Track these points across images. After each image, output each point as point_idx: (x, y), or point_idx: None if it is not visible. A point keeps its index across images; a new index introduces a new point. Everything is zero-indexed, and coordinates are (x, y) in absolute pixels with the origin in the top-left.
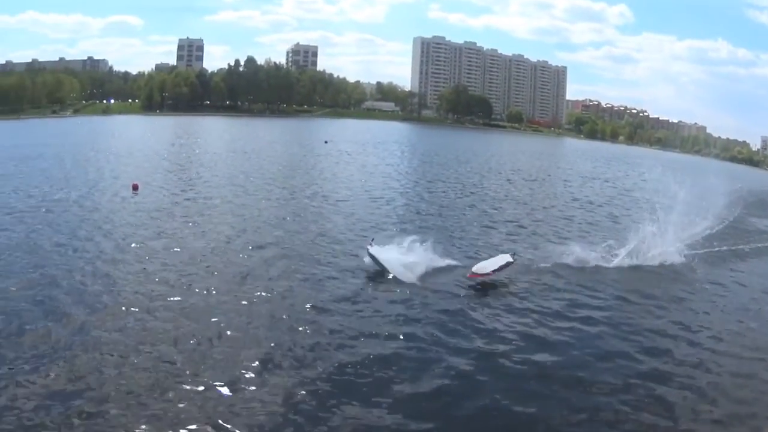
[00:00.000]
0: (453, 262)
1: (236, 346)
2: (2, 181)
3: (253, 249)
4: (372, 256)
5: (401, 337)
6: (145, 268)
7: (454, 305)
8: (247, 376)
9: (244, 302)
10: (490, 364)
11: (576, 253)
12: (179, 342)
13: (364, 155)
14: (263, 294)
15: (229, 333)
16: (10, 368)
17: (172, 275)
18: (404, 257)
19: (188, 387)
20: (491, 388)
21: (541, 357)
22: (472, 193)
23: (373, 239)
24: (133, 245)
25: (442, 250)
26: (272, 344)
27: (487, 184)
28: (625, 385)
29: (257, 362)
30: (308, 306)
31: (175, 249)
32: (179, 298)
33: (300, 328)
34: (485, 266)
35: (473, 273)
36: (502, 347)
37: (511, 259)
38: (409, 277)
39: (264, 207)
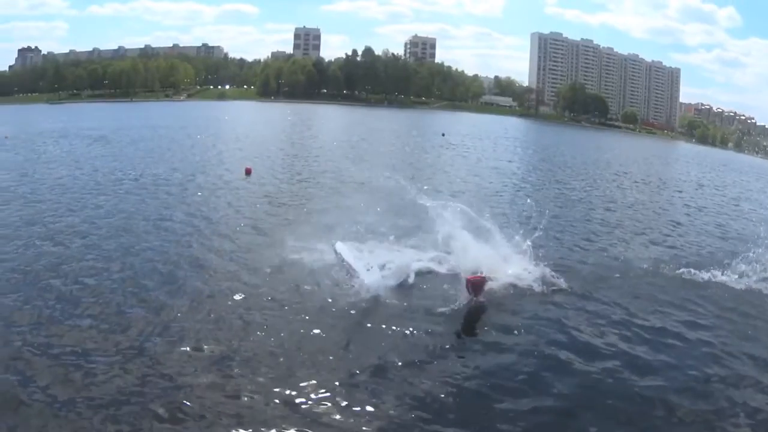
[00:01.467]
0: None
1: (356, 344)
2: (118, 161)
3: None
4: (337, 253)
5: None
6: (252, 252)
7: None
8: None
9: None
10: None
11: (682, 263)
12: (283, 336)
13: (480, 149)
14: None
15: (341, 329)
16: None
17: (278, 260)
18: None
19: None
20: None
21: (630, 376)
22: (584, 192)
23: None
24: (243, 227)
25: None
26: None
27: (601, 184)
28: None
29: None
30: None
31: (284, 233)
32: (285, 286)
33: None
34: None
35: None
36: (600, 366)
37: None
38: (377, 279)
39: (373, 196)
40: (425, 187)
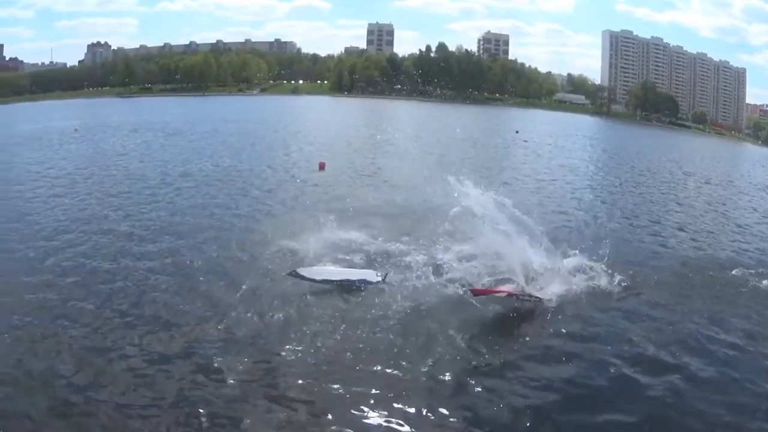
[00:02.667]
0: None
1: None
2: (190, 154)
3: (427, 233)
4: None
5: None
6: (324, 245)
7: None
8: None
9: (431, 288)
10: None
11: (749, 269)
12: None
13: (553, 148)
14: (450, 281)
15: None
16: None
17: (349, 254)
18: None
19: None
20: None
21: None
22: (654, 193)
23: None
24: (314, 222)
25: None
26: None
27: (671, 185)
28: None
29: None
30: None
31: (358, 228)
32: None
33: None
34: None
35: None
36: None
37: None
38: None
39: (439, 192)
40: (500, 187)
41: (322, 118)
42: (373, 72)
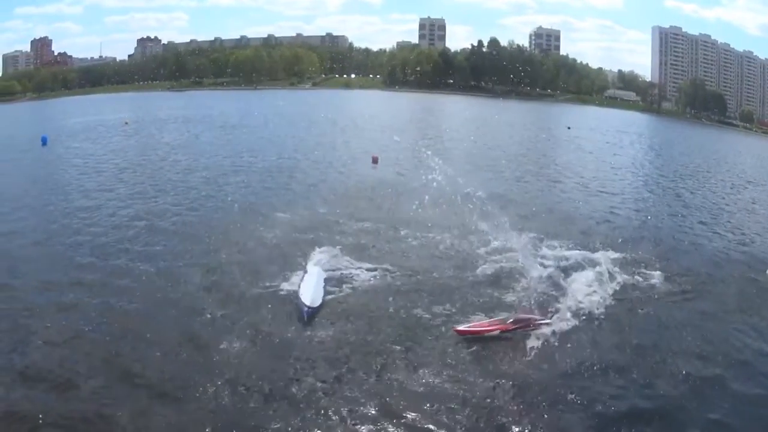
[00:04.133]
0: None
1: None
2: (241, 146)
3: (486, 227)
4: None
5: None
6: (378, 239)
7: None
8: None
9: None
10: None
11: None
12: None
13: (604, 145)
14: (498, 271)
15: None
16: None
17: (405, 252)
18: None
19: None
20: None
21: None
22: (704, 193)
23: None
24: (367, 215)
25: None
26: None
27: (720, 186)
28: None
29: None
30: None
31: (409, 224)
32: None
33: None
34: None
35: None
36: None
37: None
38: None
39: (494, 187)
40: (548, 183)
41: (374, 112)
42: (425, 67)
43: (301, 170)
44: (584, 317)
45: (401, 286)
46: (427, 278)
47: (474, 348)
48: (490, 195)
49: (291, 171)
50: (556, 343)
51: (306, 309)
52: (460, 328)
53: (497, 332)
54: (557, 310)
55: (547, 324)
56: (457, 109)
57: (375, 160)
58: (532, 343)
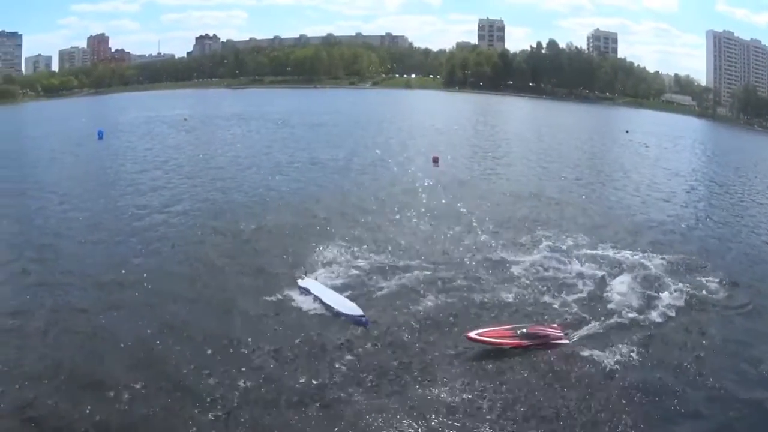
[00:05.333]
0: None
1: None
2: (299, 144)
3: (540, 228)
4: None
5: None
6: (435, 238)
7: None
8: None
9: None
10: None
11: None
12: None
13: (660, 149)
14: (533, 275)
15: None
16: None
17: (462, 251)
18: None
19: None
20: None
21: None
22: (756, 202)
23: (305, 272)
24: (429, 216)
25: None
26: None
27: None
28: None
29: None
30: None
31: (470, 223)
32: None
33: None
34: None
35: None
36: None
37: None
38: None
39: (551, 190)
40: (604, 187)
41: (434, 112)
42: (484, 67)
43: (362, 170)
44: (619, 332)
45: (430, 286)
46: (456, 277)
47: (485, 359)
48: (545, 197)
49: (342, 168)
50: (578, 363)
51: (362, 317)
52: (472, 334)
53: (509, 347)
54: (584, 322)
55: (565, 342)
56: (517, 111)
57: (436, 161)
58: (549, 359)
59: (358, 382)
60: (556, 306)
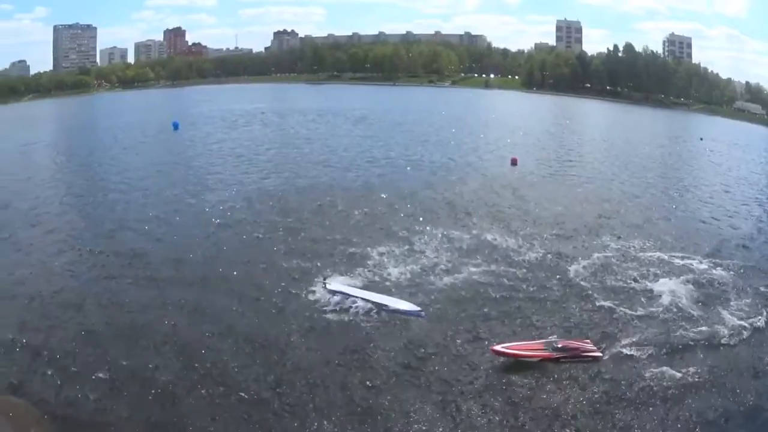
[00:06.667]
0: None
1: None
2: (377, 141)
3: (605, 234)
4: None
5: None
6: (510, 238)
7: None
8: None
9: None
10: None
11: None
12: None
13: (733, 158)
14: (599, 279)
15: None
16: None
17: (539, 251)
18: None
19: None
20: None
21: None
22: None
23: (326, 279)
24: (495, 218)
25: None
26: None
27: None
28: None
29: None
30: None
31: (536, 226)
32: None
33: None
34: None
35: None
36: None
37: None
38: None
39: (623, 195)
40: (673, 194)
41: (514, 113)
42: (563, 69)
43: (438, 169)
44: (670, 349)
45: (479, 289)
46: (508, 282)
47: (512, 372)
48: (615, 202)
49: (420, 166)
50: (609, 381)
51: (420, 312)
52: (498, 348)
53: (537, 360)
54: (627, 336)
55: (598, 355)
56: (595, 115)
57: (514, 162)
58: (579, 375)
59: (395, 378)
60: (600, 317)
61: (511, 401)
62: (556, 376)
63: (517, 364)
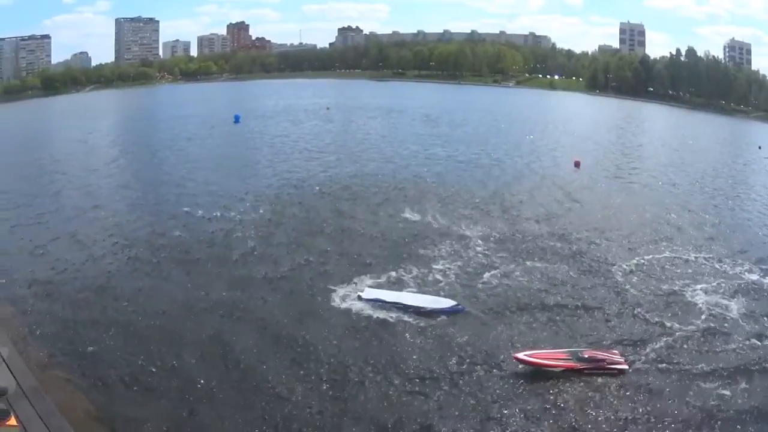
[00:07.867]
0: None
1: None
2: (440, 139)
3: (657, 241)
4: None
5: None
6: (575, 240)
7: None
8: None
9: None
10: None
11: None
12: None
13: None
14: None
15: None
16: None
17: (605, 257)
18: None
19: None
20: None
21: None
22: None
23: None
24: (560, 218)
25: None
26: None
27: None
28: None
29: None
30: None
31: (601, 228)
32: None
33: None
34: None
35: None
36: None
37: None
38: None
39: (680, 202)
40: (728, 202)
41: (578, 115)
42: (626, 72)
43: (500, 168)
44: (696, 368)
45: (521, 290)
46: (551, 286)
47: (534, 380)
48: (673, 208)
49: (481, 165)
50: (631, 396)
51: (459, 307)
52: (520, 355)
53: (561, 369)
54: (658, 348)
55: (624, 369)
56: (658, 119)
57: (577, 165)
58: (602, 388)
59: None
60: (636, 327)
61: (529, 413)
62: (577, 387)
63: (540, 372)
